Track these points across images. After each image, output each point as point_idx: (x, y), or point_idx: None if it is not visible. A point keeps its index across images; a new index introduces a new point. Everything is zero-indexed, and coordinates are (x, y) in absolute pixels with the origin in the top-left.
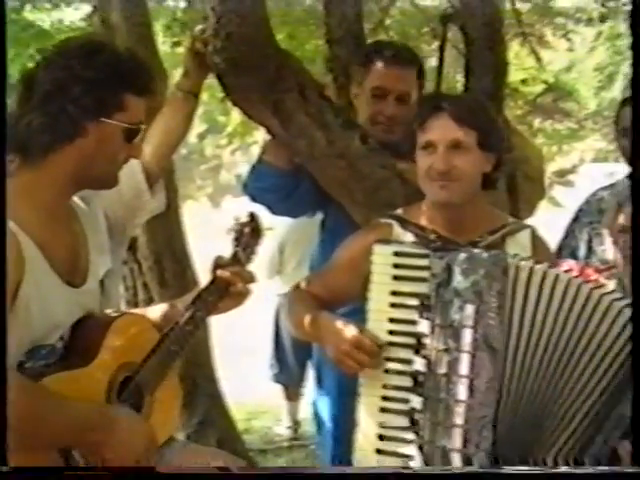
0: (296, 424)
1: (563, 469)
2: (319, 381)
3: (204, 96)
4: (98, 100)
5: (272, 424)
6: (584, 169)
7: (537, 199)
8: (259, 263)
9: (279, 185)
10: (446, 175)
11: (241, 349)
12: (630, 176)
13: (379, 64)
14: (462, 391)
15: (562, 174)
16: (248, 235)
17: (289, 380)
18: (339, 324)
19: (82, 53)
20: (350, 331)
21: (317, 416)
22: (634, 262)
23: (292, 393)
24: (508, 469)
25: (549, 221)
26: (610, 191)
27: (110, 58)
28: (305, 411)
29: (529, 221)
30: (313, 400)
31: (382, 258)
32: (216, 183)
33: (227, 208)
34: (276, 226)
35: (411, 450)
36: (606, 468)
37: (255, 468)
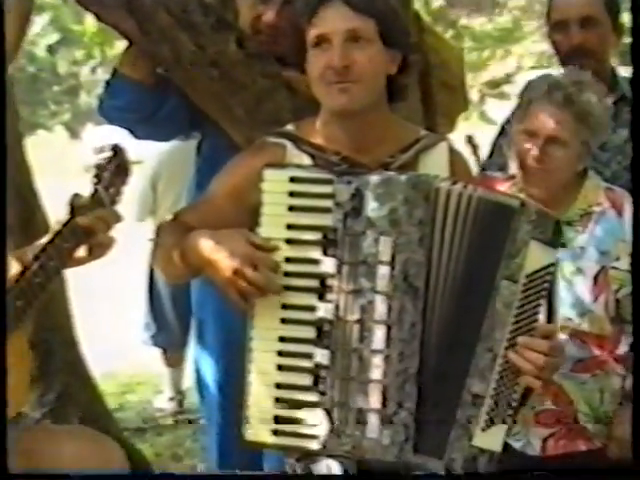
0: (180, 394)
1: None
2: (201, 339)
3: None
4: None
5: (151, 397)
6: (521, 78)
7: (458, 111)
8: (127, 203)
9: (140, 102)
10: (345, 74)
11: (108, 306)
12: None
13: None
14: (379, 340)
15: (495, 85)
16: (112, 171)
17: (169, 342)
18: (221, 238)
19: None
20: (239, 243)
21: (200, 382)
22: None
23: (173, 357)
24: None
25: (480, 140)
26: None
27: None
28: (190, 379)
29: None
30: (195, 363)
31: (275, 185)
32: (75, 108)
33: (88, 139)
34: (147, 158)
35: (316, 416)
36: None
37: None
